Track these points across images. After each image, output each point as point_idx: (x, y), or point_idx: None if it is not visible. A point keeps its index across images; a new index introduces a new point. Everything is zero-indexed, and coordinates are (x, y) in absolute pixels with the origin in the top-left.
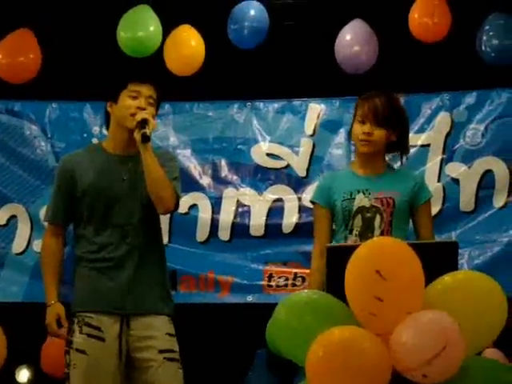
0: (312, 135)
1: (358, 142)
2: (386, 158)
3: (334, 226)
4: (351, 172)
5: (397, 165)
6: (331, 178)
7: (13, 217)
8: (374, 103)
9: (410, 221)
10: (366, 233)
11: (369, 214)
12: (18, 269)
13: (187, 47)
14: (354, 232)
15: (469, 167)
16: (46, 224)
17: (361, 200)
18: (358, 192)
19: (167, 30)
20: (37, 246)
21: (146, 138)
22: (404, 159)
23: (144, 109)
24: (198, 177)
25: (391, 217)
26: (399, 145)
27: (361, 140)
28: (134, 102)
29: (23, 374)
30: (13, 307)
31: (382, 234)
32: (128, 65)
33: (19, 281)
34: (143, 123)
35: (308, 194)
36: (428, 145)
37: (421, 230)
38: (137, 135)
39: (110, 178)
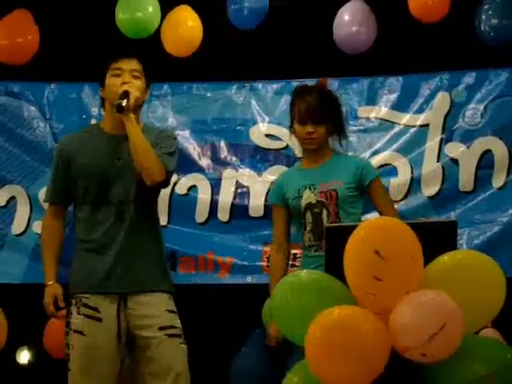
0: None
1: (301, 142)
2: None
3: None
4: (299, 168)
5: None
6: (284, 177)
7: (12, 198)
8: (307, 103)
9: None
10: (317, 228)
11: (316, 210)
12: (18, 250)
13: (184, 28)
14: (308, 228)
15: (468, 147)
16: (46, 205)
17: (308, 197)
18: (305, 188)
19: (166, 10)
20: (36, 227)
21: (120, 109)
22: (349, 140)
23: (128, 83)
24: (196, 158)
25: (337, 207)
26: (337, 130)
27: (305, 140)
28: (117, 79)
29: (24, 356)
30: (13, 288)
31: None
32: (116, 45)
33: (19, 262)
34: (123, 95)
35: None
36: (427, 125)
37: (379, 208)
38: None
39: (105, 157)
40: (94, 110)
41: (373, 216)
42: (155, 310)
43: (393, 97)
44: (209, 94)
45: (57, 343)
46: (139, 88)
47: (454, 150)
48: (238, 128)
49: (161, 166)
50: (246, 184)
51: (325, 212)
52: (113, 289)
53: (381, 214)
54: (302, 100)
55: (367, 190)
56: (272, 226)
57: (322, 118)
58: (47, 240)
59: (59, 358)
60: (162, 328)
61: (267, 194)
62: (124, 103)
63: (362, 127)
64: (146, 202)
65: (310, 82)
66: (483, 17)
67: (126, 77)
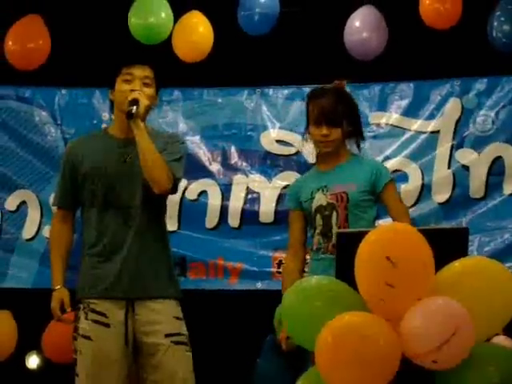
0: None
1: (317, 144)
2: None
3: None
4: (315, 171)
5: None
6: (300, 180)
7: (23, 203)
8: (321, 105)
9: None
10: (326, 231)
11: (326, 212)
12: (28, 255)
13: (195, 33)
14: (317, 231)
15: (479, 154)
16: (54, 209)
17: (319, 199)
18: (318, 190)
19: (177, 16)
20: (47, 232)
21: (130, 115)
22: (361, 145)
23: (137, 91)
24: (207, 163)
25: (346, 211)
26: (354, 132)
27: (320, 142)
28: (128, 85)
29: (33, 361)
30: (23, 293)
31: (339, 229)
32: (127, 50)
33: (29, 267)
34: (133, 103)
35: None
36: (438, 131)
37: (391, 213)
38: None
39: (111, 161)
40: (105, 115)
41: (386, 221)
42: (162, 316)
43: (404, 103)
44: (219, 100)
45: (57, 349)
46: (149, 96)
47: (465, 156)
48: (249, 134)
49: (169, 174)
50: (256, 190)
51: (334, 214)
52: (120, 294)
53: (393, 219)
54: (316, 102)
55: (380, 195)
56: (282, 232)
57: (336, 120)
58: (55, 244)
59: (64, 363)
60: (168, 335)
61: (278, 199)
62: (134, 110)
63: (372, 133)
64: (153, 207)
65: None
66: (495, 23)
67: (136, 84)
